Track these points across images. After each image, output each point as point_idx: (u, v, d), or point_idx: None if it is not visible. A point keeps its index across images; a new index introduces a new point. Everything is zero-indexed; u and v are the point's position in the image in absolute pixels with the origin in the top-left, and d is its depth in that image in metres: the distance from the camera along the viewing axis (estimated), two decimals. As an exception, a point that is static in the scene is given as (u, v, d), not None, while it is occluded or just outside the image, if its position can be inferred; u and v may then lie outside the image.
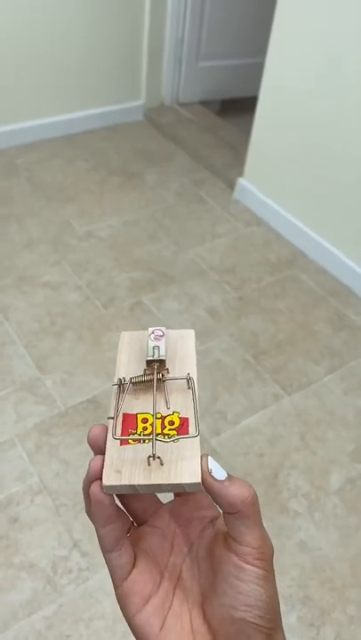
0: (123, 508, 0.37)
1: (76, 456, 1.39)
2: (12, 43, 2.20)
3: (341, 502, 1.37)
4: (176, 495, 0.39)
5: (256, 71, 2.73)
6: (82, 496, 0.52)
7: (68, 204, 2.20)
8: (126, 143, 2.59)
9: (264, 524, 0.34)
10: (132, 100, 2.67)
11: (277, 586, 0.34)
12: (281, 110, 1.97)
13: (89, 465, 0.33)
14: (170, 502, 0.39)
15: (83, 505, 0.67)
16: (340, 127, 1.78)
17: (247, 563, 0.32)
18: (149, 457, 0.33)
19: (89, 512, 0.35)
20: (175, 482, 0.32)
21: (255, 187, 2.23)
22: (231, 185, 2.35)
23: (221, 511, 0.34)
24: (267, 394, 1.60)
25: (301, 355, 1.73)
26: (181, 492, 0.34)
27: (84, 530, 1.26)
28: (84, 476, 0.34)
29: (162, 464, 0.33)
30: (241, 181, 2.29)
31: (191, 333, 0.41)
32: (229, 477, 0.33)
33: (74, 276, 1.90)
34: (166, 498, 0.38)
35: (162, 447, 0.33)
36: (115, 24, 2.37)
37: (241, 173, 2.31)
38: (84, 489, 0.34)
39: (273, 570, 0.33)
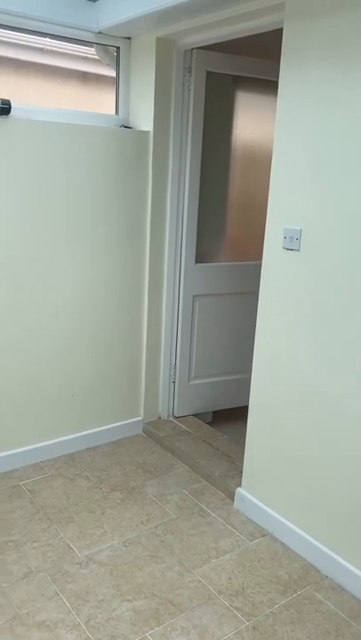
0: None
1: None
2: (20, 375, 2.51)
3: None
4: None
5: (243, 385, 3.08)
6: None
7: (69, 526, 2.17)
8: (126, 457, 2.72)
9: None
10: (132, 416, 2.91)
11: None
12: (271, 422, 2.15)
13: None
14: None
15: None
16: (325, 434, 1.92)
17: None
18: None
19: None
20: None
21: (255, 496, 2.26)
22: (230, 495, 2.38)
23: None
24: None
25: None
26: None
27: None
28: None
29: None
30: (240, 491, 2.32)
31: None
32: None
33: (72, 611, 1.75)
34: None
35: None
36: (119, 357, 2.77)
37: (239, 483, 2.37)
38: None
39: None
